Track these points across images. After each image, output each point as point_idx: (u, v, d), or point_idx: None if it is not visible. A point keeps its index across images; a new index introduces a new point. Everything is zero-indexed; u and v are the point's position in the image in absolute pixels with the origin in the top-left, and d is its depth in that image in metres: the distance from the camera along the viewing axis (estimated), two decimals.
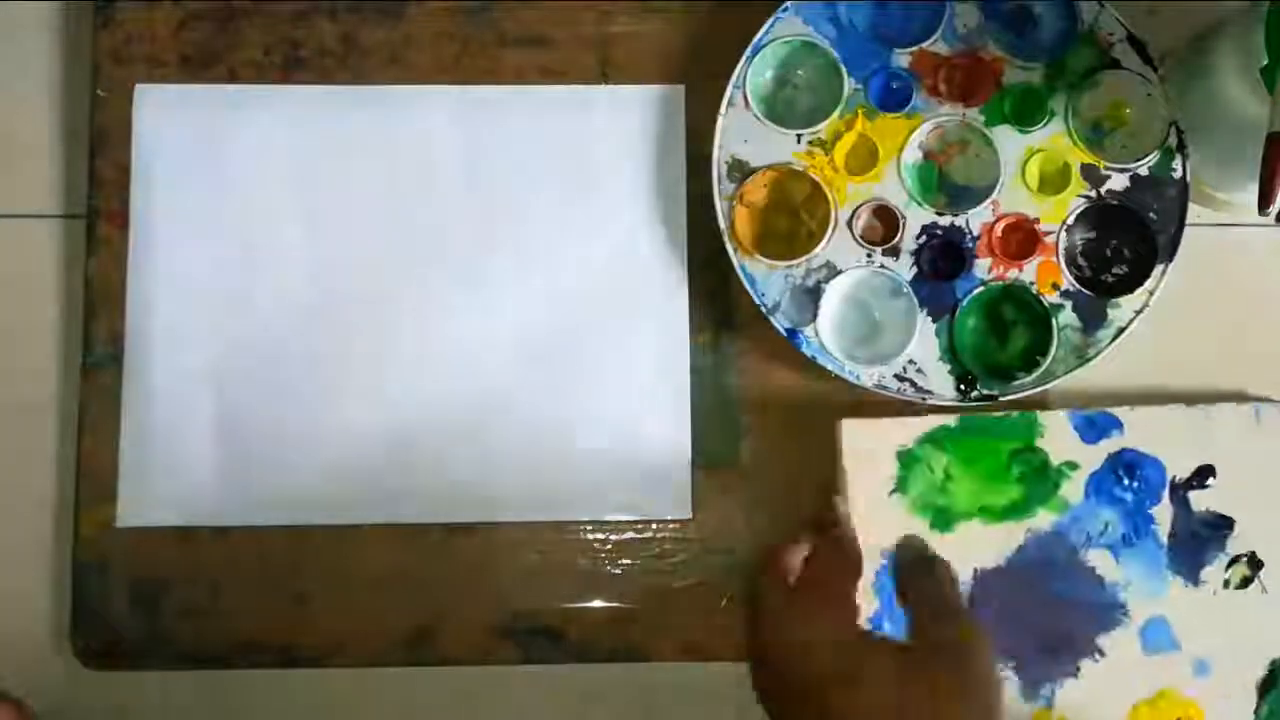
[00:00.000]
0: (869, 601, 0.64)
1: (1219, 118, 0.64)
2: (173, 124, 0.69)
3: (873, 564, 0.64)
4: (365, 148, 0.69)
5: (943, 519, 0.65)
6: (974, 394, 0.65)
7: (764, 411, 0.68)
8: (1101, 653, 0.65)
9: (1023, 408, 0.66)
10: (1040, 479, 0.66)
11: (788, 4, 0.67)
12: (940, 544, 0.65)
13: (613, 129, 0.69)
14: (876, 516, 0.65)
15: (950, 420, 0.66)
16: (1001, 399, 0.65)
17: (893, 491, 0.65)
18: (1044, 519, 0.65)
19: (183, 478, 0.67)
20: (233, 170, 0.68)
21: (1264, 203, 0.55)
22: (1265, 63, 0.58)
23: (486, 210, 0.68)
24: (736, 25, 0.68)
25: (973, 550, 0.65)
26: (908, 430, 0.66)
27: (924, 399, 0.65)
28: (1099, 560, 0.65)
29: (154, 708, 0.66)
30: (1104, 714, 0.64)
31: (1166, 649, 0.65)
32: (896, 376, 0.65)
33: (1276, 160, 0.55)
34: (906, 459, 0.65)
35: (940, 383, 0.65)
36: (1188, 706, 0.64)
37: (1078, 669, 0.65)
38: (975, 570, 0.65)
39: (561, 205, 0.69)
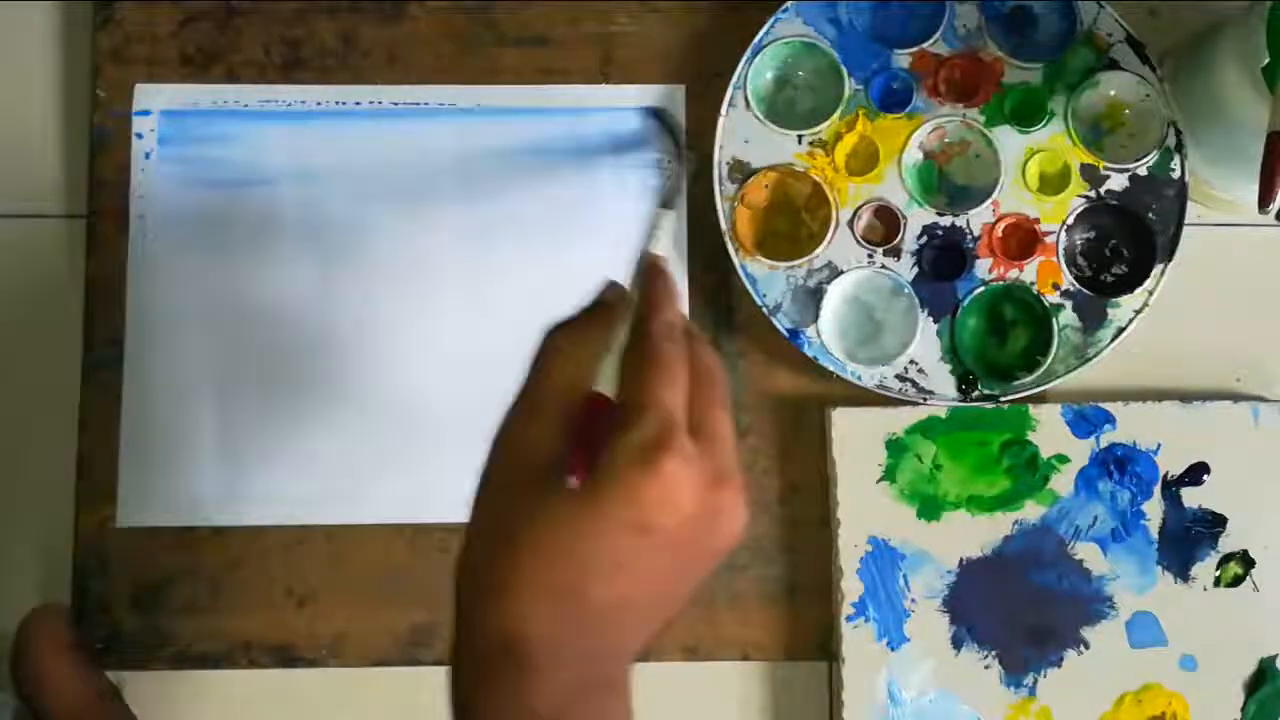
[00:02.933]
0: (853, 586, 0.64)
1: (1219, 117, 0.64)
2: (173, 124, 0.69)
3: (859, 549, 0.65)
4: (364, 146, 0.69)
5: (930, 508, 0.65)
6: (975, 394, 0.65)
7: (764, 411, 0.68)
8: (1086, 645, 0.65)
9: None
10: (1030, 471, 0.66)
11: (788, 4, 0.67)
12: (928, 533, 0.65)
13: (613, 129, 0.69)
14: (865, 504, 0.65)
15: (940, 411, 0.66)
16: (1002, 399, 0.66)
17: (880, 480, 0.65)
18: (1032, 511, 0.66)
19: (183, 478, 0.66)
20: (232, 170, 0.68)
21: (1264, 201, 0.56)
22: (1266, 62, 0.58)
23: (486, 210, 0.68)
24: (736, 25, 0.68)
25: (960, 540, 0.65)
26: (897, 419, 0.66)
27: (925, 399, 0.65)
28: (1087, 553, 0.65)
29: (154, 708, 0.66)
30: (1087, 705, 0.64)
31: (1153, 643, 0.65)
32: (898, 377, 0.65)
33: (1276, 159, 0.55)
34: (895, 448, 0.66)
35: (941, 383, 0.66)
36: (1173, 701, 0.64)
37: (1061, 660, 0.65)
38: (961, 560, 0.65)
39: (561, 205, 0.69)
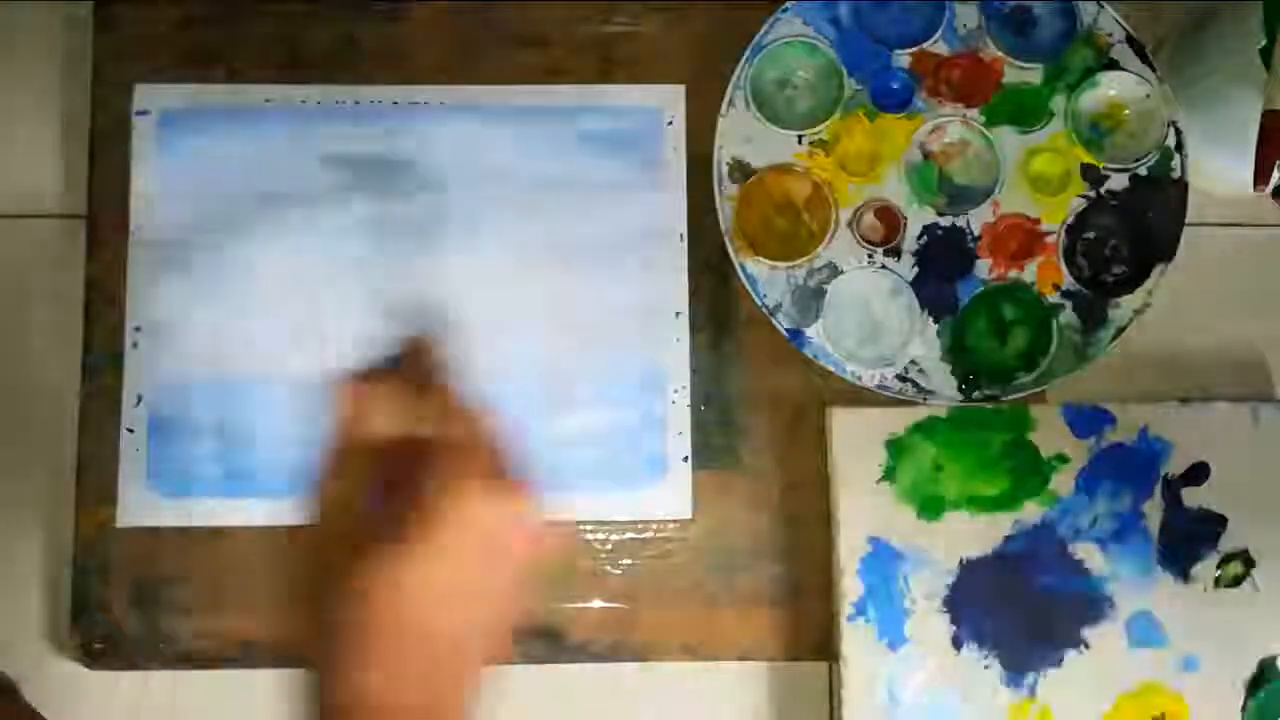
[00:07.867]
0: (853, 586, 0.64)
1: (1215, 100, 0.64)
2: (172, 124, 0.69)
3: (859, 549, 0.65)
4: (364, 146, 0.69)
5: (931, 508, 0.65)
6: (975, 394, 0.65)
7: (764, 411, 0.68)
8: (1086, 645, 0.65)
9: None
10: (1030, 471, 0.66)
11: (788, 4, 0.67)
12: (928, 533, 0.65)
13: (613, 129, 0.69)
14: (866, 504, 0.65)
15: (940, 411, 0.66)
16: (1002, 399, 0.66)
17: (881, 480, 0.65)
18: (1032, 511, 0.66)
19: (183, 477, 0.66)
20: (232, 170, 0.68)
21: (1259, 179, 0.55)
22: (1262, 44, 0.58)
23: (485, 210, 0.68)
24: (736, 25, 0.68)
25: (960, 540, 0.65)
26: (897, 419, 0.66)
27: (925, 399, 0.65)
28: (1087, 553, 0.65)
29: (154, 708, 0.66)
30: (1087, 705, 0.64)
31: (1153, 643, 0.65)
32: (898, 377, 0.65)
33: (1271, 137, 0.55)
34: (895, 448, 0.66)
35: (942, 382, 0.66)
36: (1173, 701, 0.64)
37: (1061, 660, 0.65)
38: (962, 559, 0.65)
39: (561, 205, 0.69)
